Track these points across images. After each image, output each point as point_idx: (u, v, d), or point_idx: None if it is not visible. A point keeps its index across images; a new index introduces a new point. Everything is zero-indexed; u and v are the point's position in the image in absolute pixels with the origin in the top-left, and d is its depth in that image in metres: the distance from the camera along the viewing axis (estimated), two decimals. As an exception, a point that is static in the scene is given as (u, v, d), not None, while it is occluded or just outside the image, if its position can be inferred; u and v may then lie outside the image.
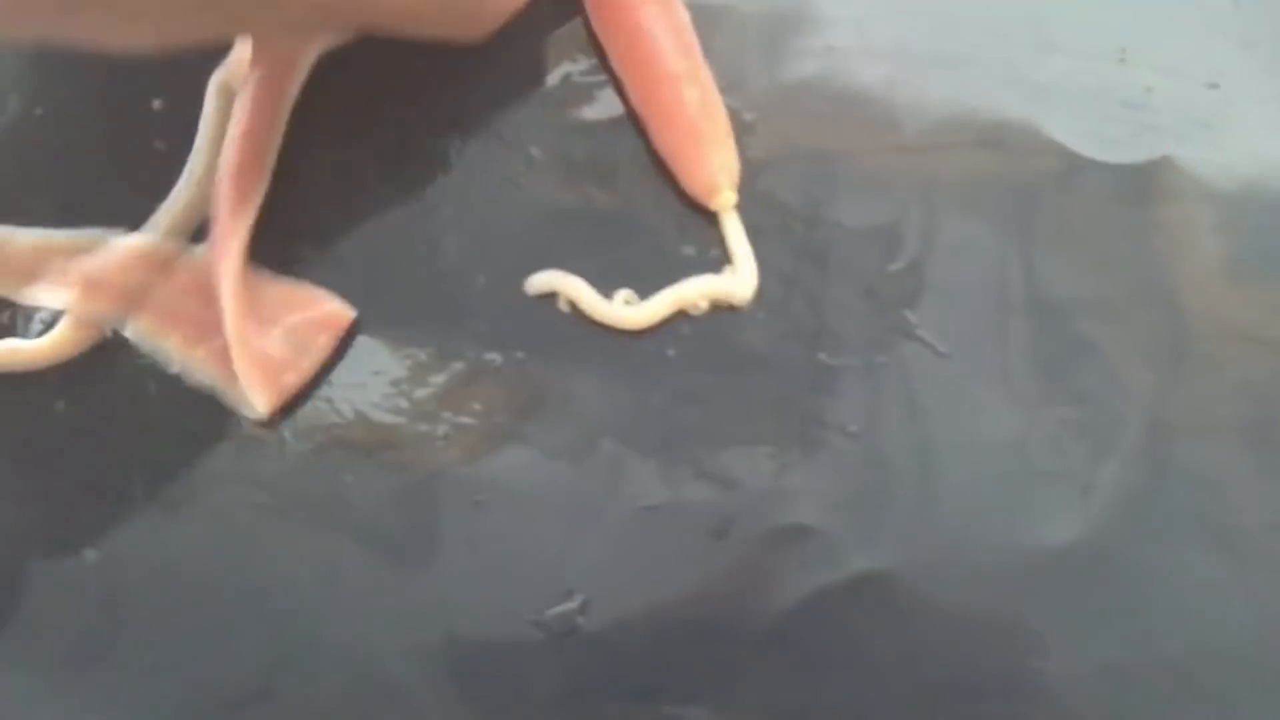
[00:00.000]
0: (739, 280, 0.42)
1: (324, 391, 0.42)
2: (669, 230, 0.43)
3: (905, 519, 0.40)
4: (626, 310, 0.42)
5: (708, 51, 0.43)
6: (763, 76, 0.44)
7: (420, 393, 0.42)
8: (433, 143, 0.44)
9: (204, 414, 0.41)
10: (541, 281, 0.42)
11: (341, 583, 0.40)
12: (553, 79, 0.44)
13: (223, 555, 0.40)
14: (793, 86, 0.44)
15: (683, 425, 0.42)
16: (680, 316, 0.42)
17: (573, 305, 0.42)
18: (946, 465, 0.41)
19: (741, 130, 0.43)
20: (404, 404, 0.42)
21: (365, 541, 0.40)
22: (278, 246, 0.42)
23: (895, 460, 0.41)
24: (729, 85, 0.43)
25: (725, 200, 0.43)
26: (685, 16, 0.43)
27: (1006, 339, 0.42)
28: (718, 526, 0.40)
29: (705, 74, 0.43)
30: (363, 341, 0.42)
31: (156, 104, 0.44)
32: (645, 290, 0.42)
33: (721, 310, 0.42)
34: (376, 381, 0.42)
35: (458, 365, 0.42)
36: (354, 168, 0.43)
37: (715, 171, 0.42)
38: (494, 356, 0.42)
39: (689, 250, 0.43)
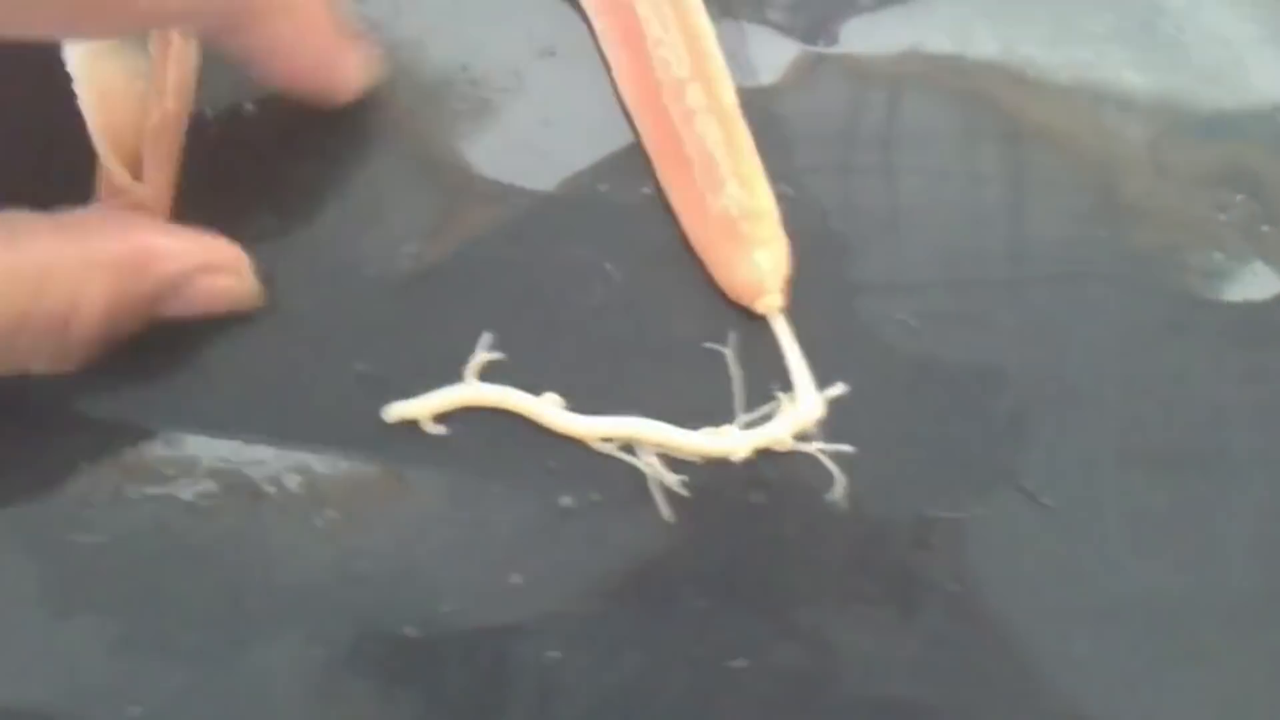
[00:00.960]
0: (798, 413, 0.39)
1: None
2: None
3: (1008, 694, 0.37)
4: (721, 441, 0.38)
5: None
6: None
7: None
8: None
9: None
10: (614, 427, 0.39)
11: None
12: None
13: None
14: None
15: (768, 579, 0.38)
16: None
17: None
18: (1051, 633, 0.38)
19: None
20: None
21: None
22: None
23: (996, 626, 0.38)
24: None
25: (771, 303, 0.39)
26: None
27: (1116, 493, 0.39)
28: (804, 693, 0.37)
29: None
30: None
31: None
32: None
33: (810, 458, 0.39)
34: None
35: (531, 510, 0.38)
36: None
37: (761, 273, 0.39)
38: (567, 500, 0.39)
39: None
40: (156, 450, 0.38)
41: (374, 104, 0.40)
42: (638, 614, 0.38)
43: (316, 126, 0.40)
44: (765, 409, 0.39)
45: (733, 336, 0.40)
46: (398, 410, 0.38)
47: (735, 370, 0.39)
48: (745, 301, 0.40)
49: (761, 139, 0.40)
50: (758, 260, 0.39)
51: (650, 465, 0.38)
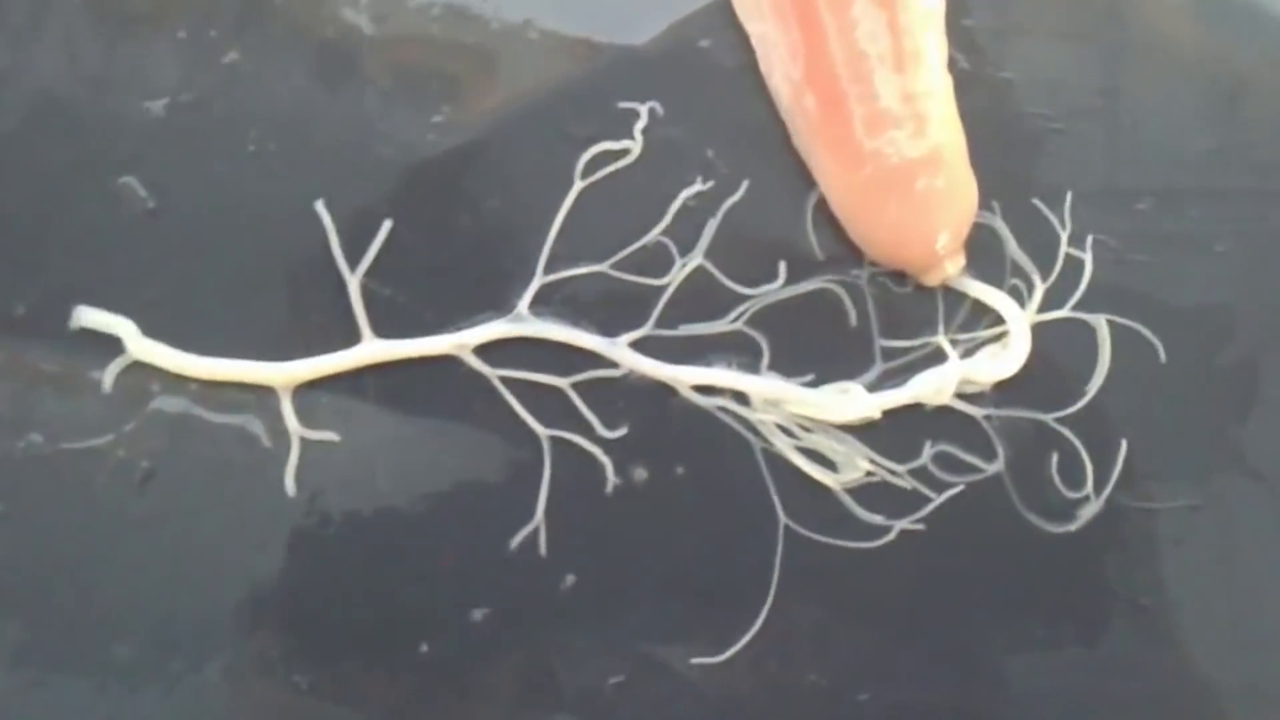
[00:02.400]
0: (1008, 356, 0.29)
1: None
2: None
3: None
4: (846, 401, 0.29)
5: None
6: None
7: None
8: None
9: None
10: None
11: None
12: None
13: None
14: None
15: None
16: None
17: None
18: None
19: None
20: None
21: None
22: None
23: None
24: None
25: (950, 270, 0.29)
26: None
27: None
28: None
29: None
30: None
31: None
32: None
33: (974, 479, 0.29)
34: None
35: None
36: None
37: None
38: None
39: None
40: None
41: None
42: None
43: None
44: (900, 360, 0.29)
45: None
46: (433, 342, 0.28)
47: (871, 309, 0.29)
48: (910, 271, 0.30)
49: None
50: (939, 237, 0.29)
51: (763, 426, 0.29)
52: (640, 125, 0.29)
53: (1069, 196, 0.30)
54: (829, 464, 0.29)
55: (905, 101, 0.28)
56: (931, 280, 0.29)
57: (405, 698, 0.29)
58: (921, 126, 0.28)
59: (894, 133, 0.28)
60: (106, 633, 0.28)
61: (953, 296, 0.30)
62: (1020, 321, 0.29)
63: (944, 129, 0.29)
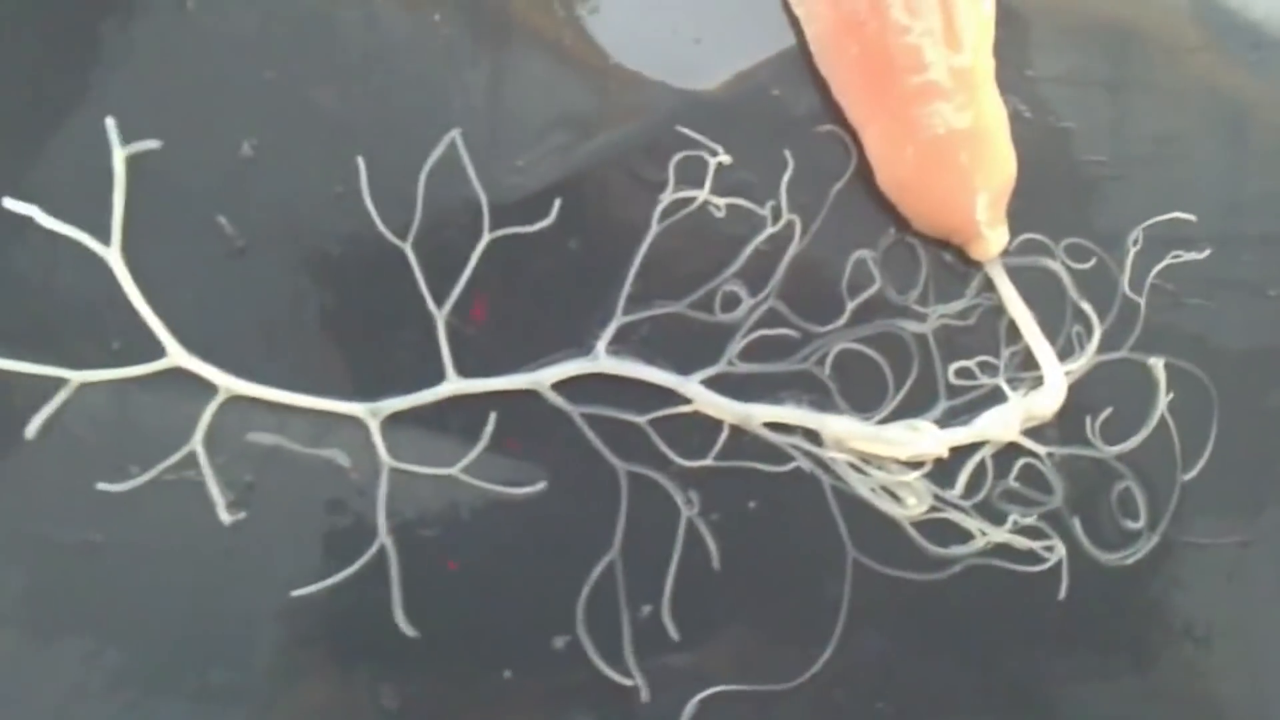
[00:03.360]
0: (1042, 395, 0.30)
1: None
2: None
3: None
4: (916, 438, 0.30)
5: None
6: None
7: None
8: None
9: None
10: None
11: None
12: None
13: None
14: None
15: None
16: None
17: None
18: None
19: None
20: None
21: None
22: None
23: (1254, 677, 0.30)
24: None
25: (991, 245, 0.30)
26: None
27: None
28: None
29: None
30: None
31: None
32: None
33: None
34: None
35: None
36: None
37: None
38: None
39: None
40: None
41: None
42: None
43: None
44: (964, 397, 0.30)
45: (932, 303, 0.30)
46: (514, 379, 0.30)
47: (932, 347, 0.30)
48: (955, 241, 0.31)
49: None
50: (979, 197, 0.30)
51: (834, 462, 0.30)
52: (712, 171, 0.30)
53: (1128, 241, 0.31)
54: (894, 497, 0.30)
55: (953, 76, 0.30)
56: (978, 253, 0.30)
57: (490, 720, 0.30)
58: (967, 99, 0.30)
59: (940, 105, 0.30)
60: (201, 657, 0.29)
61: (1014, 335, 0.31)
62: (1055, 366, 0.31)
63: (987, 102, 0.30)
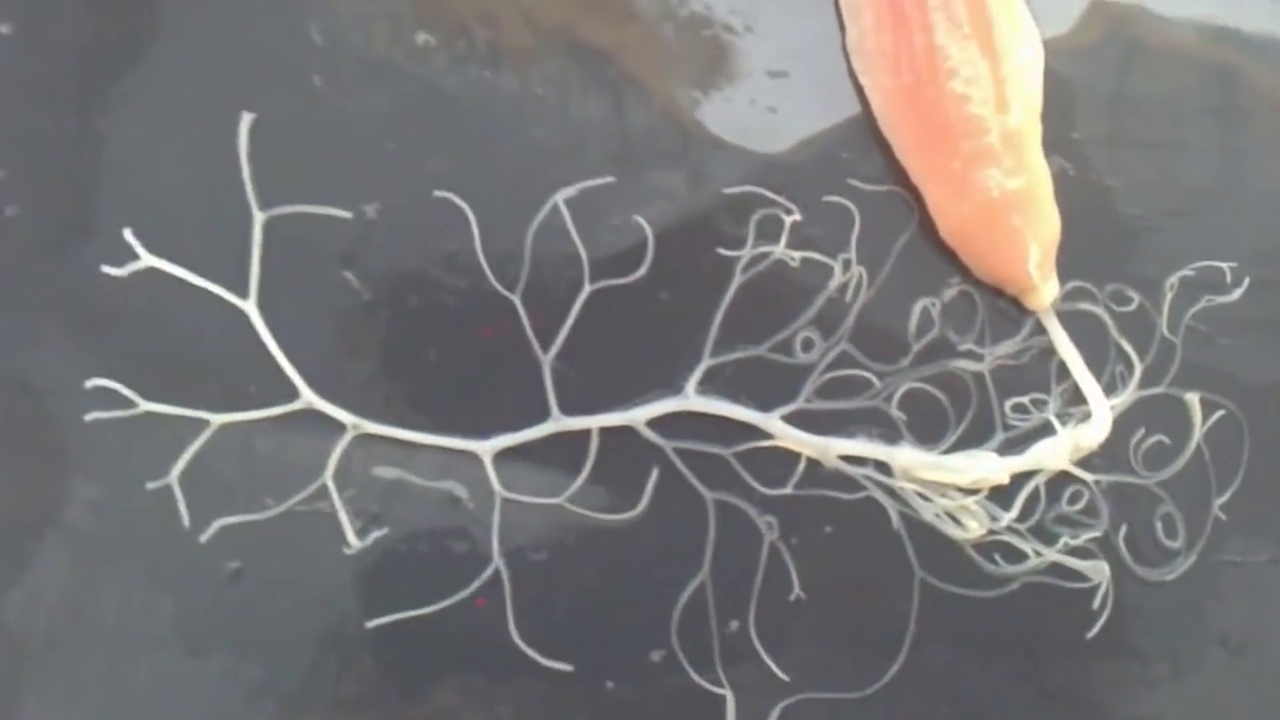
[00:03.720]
0: (1091, 427, 0.33)
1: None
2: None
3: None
4: (978, 465, 0.33)
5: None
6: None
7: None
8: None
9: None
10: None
11: None
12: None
13: None
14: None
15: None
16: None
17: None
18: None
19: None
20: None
21: None
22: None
23: None
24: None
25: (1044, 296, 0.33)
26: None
27: None
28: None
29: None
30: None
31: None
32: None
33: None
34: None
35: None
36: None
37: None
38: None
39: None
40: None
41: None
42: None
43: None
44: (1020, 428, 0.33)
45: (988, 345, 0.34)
46: (612, 417, 0.33)
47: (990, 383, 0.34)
48: (1011, 292, 0.34)
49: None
50: (1031, 253, 0.33)
51: (902, 490, 0.33)
52: (788, 228, 0.34)
53: (1165, 286, 0.34)
54: (956, 522, 0.34)
55: (1003, 140, 0.33)
56: (1032, 304, 0.33)
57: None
58: (1017, 164, 0.33)
59: (993, 170, 0.33)
60: (333, 672, 0.33)
61: (1063, 373, 0.34)
62: (1101, 401, 0.34)
63: (1035, 165, 0.33)
